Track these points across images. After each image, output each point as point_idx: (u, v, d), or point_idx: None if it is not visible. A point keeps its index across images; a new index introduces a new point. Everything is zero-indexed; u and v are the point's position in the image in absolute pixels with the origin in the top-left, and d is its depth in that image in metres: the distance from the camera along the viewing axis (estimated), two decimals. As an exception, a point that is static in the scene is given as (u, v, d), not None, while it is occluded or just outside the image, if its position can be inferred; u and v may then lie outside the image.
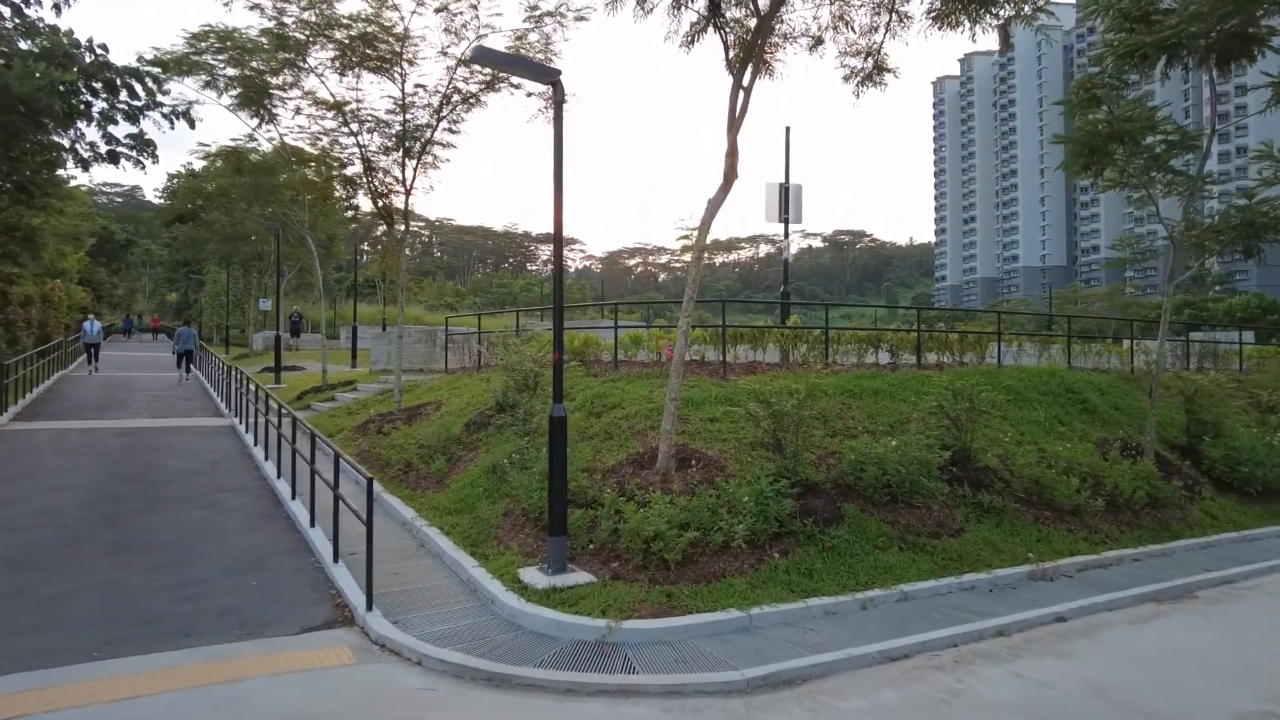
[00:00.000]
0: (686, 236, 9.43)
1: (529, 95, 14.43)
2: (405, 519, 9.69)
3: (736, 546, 7.75)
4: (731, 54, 9.44)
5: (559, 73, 7.75)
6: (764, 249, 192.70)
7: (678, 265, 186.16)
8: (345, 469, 8.26)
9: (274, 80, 15.71)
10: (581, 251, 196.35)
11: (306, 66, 15.00)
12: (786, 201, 15.26)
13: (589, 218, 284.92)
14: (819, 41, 10.73)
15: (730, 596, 7.10)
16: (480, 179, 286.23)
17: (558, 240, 7.80)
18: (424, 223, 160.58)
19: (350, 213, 18.72)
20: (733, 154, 9.11)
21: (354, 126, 15.25)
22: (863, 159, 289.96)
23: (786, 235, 15.75)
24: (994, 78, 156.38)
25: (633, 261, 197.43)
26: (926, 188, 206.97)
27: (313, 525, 9.18)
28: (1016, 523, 9.70)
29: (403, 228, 16.02)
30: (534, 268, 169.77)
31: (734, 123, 9.08)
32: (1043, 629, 6.90)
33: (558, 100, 7.72)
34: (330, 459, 8.38)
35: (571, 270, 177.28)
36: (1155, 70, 11.54)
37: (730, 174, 9.13)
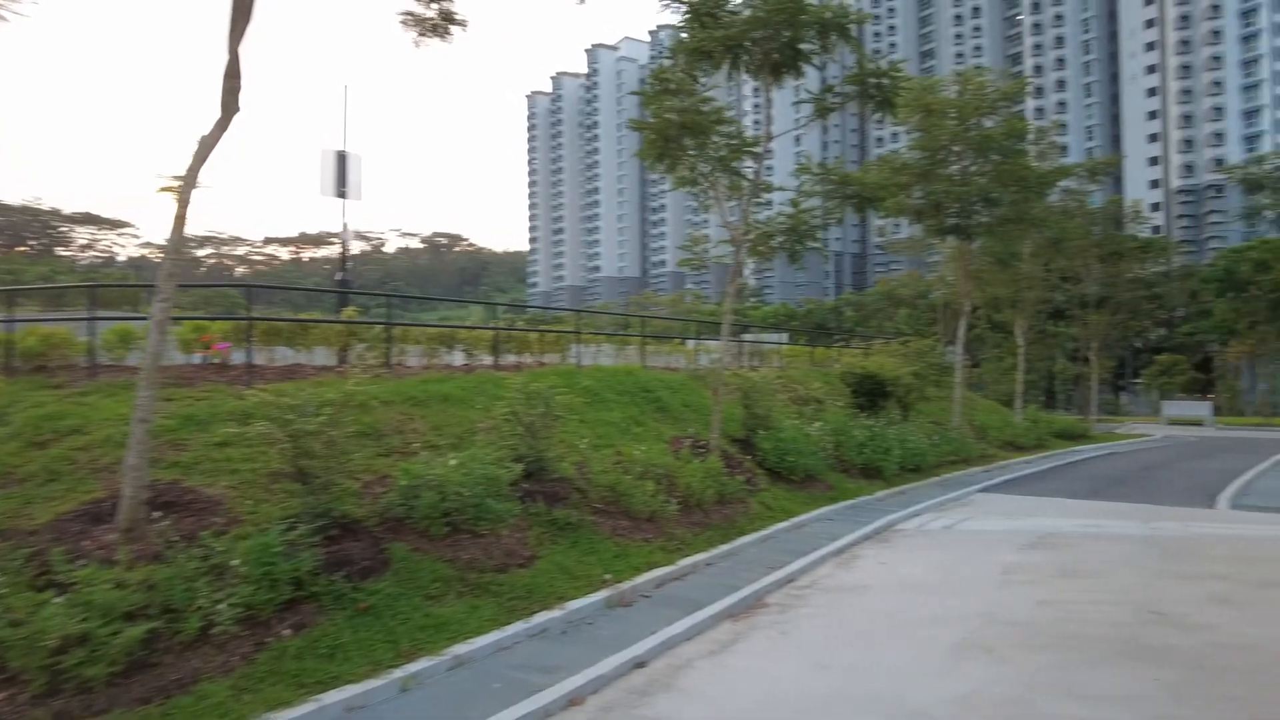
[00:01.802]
0: (170, 188, 6.66)
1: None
2: None
3: (223, 631, 5.38)
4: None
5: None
6: (358, 246, 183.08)
7: (259, 257, 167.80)
8: None
9: None
10: (135, 237, 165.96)
11: None
12: (344, 171, 12.88)
13: (147, 195, 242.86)
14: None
15: (199, 717, 4.72)
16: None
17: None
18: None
19: None
20: (234, 75, 6.62)
21: None
22: (464, 166, 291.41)
23: (343, 210, 13.39)
24: (581, 99, 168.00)
25: (204, 252, 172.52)
26: (523, 197, 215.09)
27: None
28: (594, 539, 8.73)
29: None
30: (68, 253, 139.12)
31: (237, 26, 6.58)
32: (621, 684, 5.72)
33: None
34: None
35: (121, 259, 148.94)
36: (722, 70, 11.63)
37: (230, 103, 6.63)
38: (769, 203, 13.29)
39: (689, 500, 10.48)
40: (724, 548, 9.85)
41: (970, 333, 24.88)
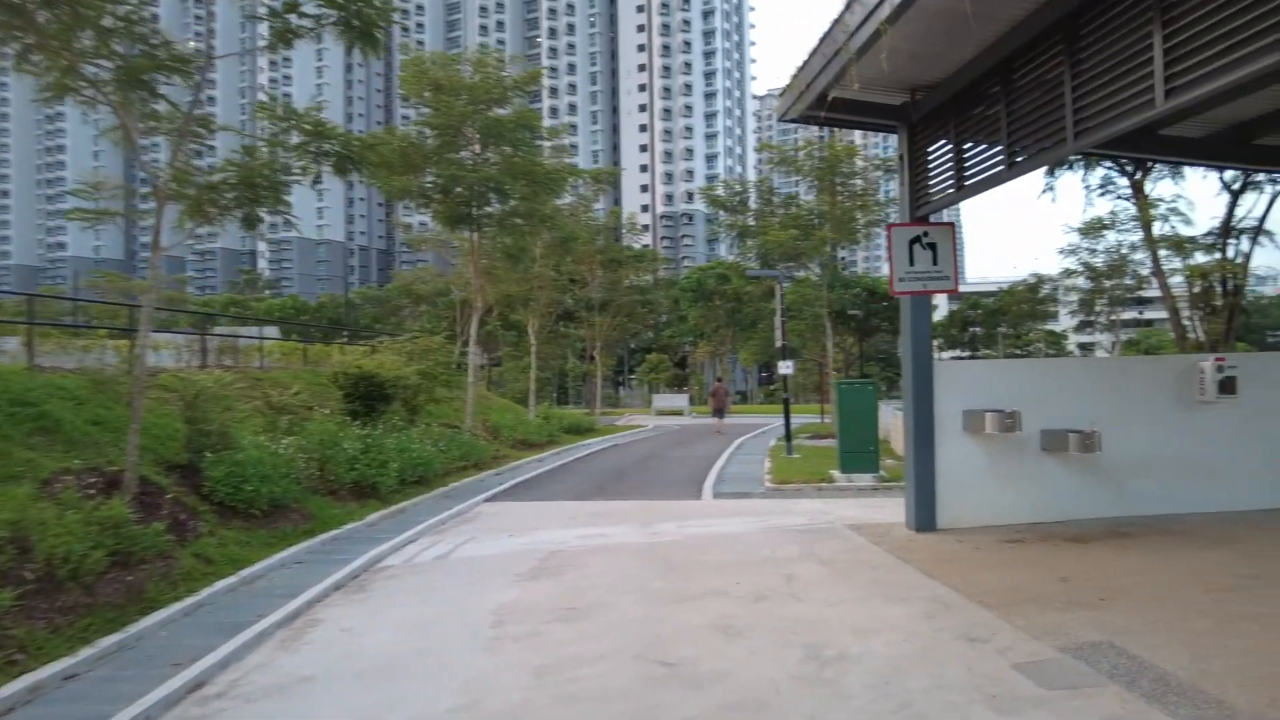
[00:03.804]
0: None
1: None
2: None
3: None
4: None
5: None
6: None
7: None
8: None
9: None
10: None
11: None
12: None
13: None
14: None
15: None
16: None
17: None
18: None
19: None
20: None
21: None
22: None
23: None
24: None
25: None
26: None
27: None
28: None
29: None
30: None
31: None
32: None
33: None
34: None
35: None
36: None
37: None
38: (207, 143, 9.95)
39: (56, 573, 6.89)
40: (110, 641, 6.55)
41: (485, 331, 24.00)
